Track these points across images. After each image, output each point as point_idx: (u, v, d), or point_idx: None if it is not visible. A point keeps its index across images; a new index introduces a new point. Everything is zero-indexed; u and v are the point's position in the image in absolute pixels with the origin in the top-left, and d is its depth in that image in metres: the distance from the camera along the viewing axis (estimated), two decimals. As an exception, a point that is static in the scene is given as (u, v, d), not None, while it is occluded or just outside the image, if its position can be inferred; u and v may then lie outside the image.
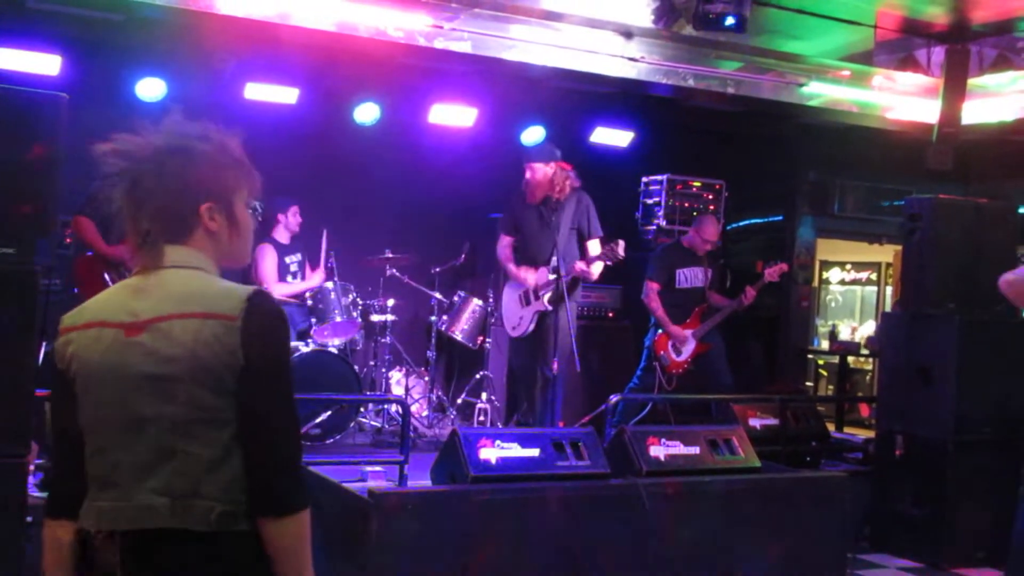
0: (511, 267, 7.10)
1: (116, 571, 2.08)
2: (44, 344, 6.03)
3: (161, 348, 2.07)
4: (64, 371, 2.17)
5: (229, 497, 2.08)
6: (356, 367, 7.74)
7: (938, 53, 8.01)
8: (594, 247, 6.93)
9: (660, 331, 8.04)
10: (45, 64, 6.85)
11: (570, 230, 6.93)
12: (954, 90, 7.89)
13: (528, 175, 6.94)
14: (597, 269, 6.91)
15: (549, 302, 6.82)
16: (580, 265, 6.79)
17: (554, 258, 6.76)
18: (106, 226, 6.56)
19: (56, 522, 2.21)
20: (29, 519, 4.46)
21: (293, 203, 8.05)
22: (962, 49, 7.89)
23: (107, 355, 2.11)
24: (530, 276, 6.95)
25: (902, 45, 8.15)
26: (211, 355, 2.06)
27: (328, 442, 7.17)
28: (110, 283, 6.36)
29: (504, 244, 7.16)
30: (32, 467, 4.70)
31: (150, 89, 7.45)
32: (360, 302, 7.89)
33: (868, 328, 12.58)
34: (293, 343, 7.67)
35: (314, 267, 8.09)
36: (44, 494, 4.79)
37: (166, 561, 2.07)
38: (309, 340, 7.64)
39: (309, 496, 2.15)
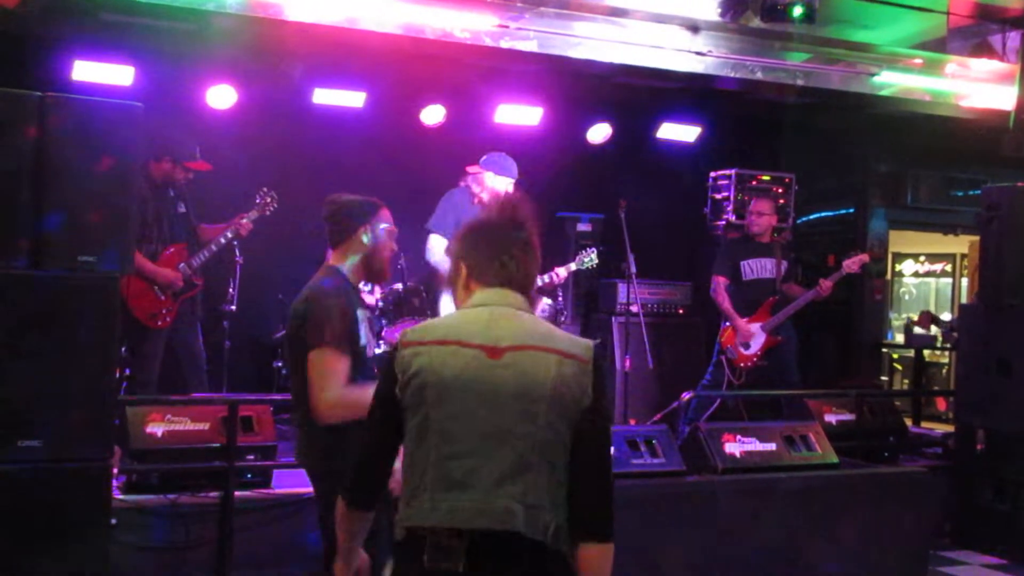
0: None
1: (457, 567, 2.28)
2: (123, 350, 6.12)
3: (526, 373, 2.36)
4: (409, 378, 2.39)
5: (561, 516, 2.34)
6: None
7: (1013, 38, 7.85)
8: None
9: (727, 325, 7.97)
10: (119, 75, 6.95)
11: None
12: (1031, 76, 7.73)
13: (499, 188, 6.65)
14: None
15: None
16: None
17: None
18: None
19: (356, 513, 2.54)
20: (113, 521, 4.55)
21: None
22: (1038, 33, 7.73)
23: (467, 371, 2.37)
24: None
25: (976, 31, 8.01)
26: (568, 389, 2.36)
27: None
28: (160, 296, 6.38)
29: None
30: (115, 470, 4.78)
31: (221, 97, 7.55)
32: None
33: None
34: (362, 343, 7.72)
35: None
36: (132, 497, 4.91)
37: (506, 563, 2.30)
38: (380, 342, 7.68)
39: None
